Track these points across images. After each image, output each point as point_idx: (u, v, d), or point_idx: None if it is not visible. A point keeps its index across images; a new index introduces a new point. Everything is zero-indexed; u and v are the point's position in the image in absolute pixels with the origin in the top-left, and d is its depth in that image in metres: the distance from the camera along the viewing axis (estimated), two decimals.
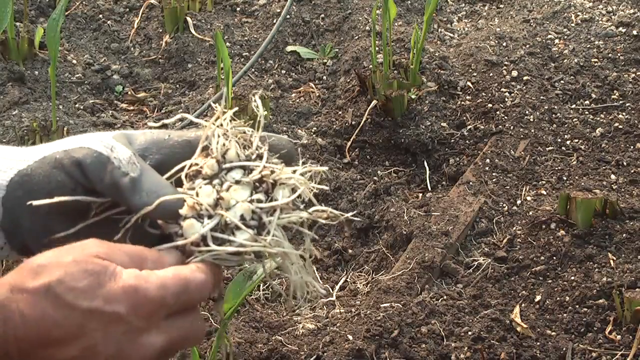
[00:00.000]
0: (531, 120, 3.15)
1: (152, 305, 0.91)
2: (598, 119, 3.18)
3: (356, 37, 3.65)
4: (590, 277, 2.50)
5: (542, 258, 2.60)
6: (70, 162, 1.01)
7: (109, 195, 1.02)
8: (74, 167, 1.01)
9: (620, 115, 3.19)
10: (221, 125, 1.03)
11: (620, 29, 3.57)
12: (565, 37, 3.57)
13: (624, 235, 2.61)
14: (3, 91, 3.28)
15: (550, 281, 2.53)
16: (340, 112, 3.30)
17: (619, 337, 2.31)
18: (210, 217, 0.98)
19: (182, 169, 1.03)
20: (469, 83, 3.33)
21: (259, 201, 0.99)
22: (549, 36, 3.56)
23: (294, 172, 1.03)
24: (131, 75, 3.62)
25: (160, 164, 1.04)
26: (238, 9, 3.94)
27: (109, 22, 3.85)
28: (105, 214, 1.03)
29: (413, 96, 3.22)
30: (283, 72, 3.59)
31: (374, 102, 3.20)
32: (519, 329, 2.37)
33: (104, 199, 1.03)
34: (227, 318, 1.99)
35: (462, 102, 3.27)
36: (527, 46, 3.49)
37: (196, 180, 1.01)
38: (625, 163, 2.98)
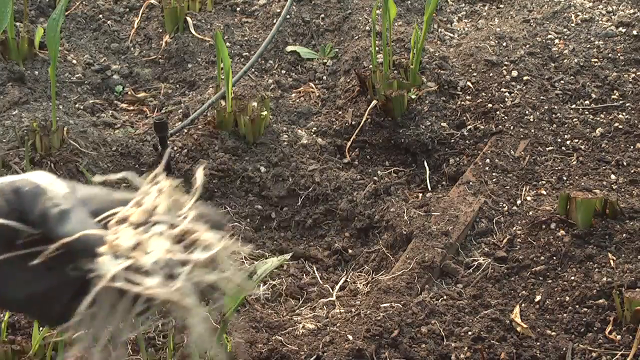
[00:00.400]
0: (531, 120, 3.15)
1: None
2: (598, 119, 3.18)
3: (356, 37, 3.65)
4: (590, 277, 2.50)
5: (542, 258, 2.60)
6: (10, 188, 1.05)
7: (39, 225, 1.05)
8: (13, 193, 1.05)
9: (620, 115, 3.19)
10: (158, 186, 1.09)
11: (620, 29, 3.57)
12: (565, 37, 3.57)
13: (624, 235, 2.61)
14: (3, 91, 3.28)
15: (550, 281, 2.53)
16: (340, 112, 3.30)
17: (619, 337, 2.31)
18: (126, 258, 1.02)
19: (113, 215, 1.08)
20: (469, 83, 3.33)
21: (175, 253, 1.04)
22: (549, 36, 3.56)
23: (219, 239, 1.07)
24: (131, 75, 3.62)
25: (97, 213, 1.08)
26: (238, 9, 3.94)
27: (109, 22, 3.85)
28: (35, 248, 1.06)
29: (413, 96, 3.22)
30: (283, 72, 3.59)
31: (374, 102, 3.20)
32: (519, 329, 2.37)
33: (34, 231, 1.06)
34: (227, 318, 1.99)
35: (462, 102, 3.27)
36: (527, 46, 3.49)
37: (122, 225, 1.06)
38: (625, 163, 2.98)
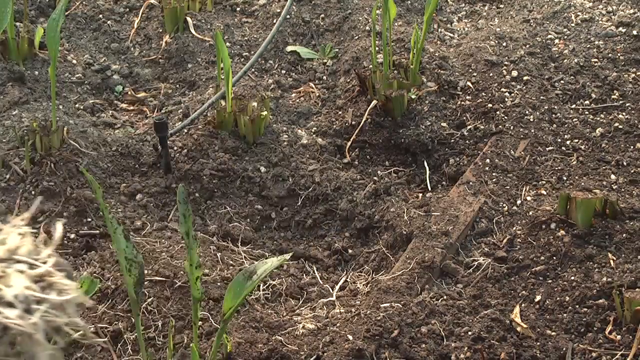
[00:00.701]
0: (531, 120, 3.15)
1: None
2: (598, 119, 3.19)
3: (356, 37, 3.65)
4: (590, 277, 2.50)
5: (542, 258, 2.60)
6: None
7: None
8: None
9: (620, 115, 3.19)
10: (20, 230, 1.20)
11: (620, 29, 3.58)
12: (565, 37, 3.57)
13: (624, 235, 2.61)
14: (3, 91, 3.28)
15: (550, 281, 2.53)
16: (340, 112, 3.30)
17: (619, 337, 2.31)
18: None
19: None
20: (469, 83, 3.33)
21: (34, 291, 1.14)
22: (549, 36, 3.56)
23: (72, 287, 1.19)
24: (131, 75, 3.62)
25: None
26: (238, 9, 3.94)
27: (109, 22, 3.85)
28: None
29: (413, 96, 3.22)
30: (283, 72, 3.59)
31: (374, 102, 3.20)
32: (519, 329, 2.37)
33: None
34: (227, 318, 1.99)
35: (462, 102, 3.27)
36: (527, 46, 3.49)
37: None
38: (625, 163, 2.98)
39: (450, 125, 3.21)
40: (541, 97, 3.24)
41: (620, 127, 3.14)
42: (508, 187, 2.90)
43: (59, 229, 1.24)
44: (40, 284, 1.15)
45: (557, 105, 3.22)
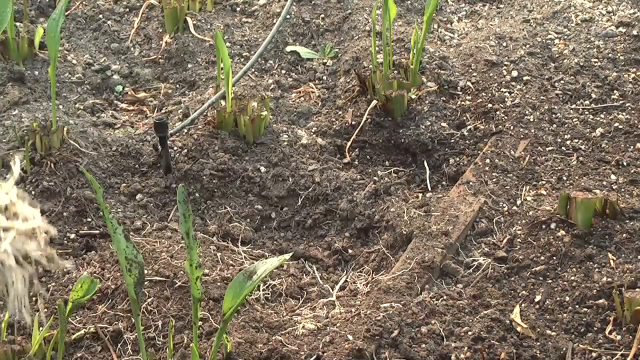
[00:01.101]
0: (531, 120, 3.15)
1: None
2: (598, 119, 3.19)
3: (356, 37, 3.65)
4: (590, 277, 2.50)
5: (542, 258, 2.60)
6: None
7: None
8: None
9: (620, 115, 3.19)
10: None
11: (620, 29, 3.58)
12: (565, 37, 3.57)
13: (624, 235, 2.61)
14: (3, 91, 3.28)
15: (550, 281, 2.53)
16: (340, 112, 3.30)
17: (619, 337, 2.31)
18: None
19: None
20: (469, 83, 3.33)
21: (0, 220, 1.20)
22: (549, 36, 3.56)
23: (36, 215, 1.25)
24: (131, 75, 3.62)
25: None
26: (238, 9, 3.94)
27: (109, 22, 3.85)
28: None
29: (413, 96, 3.22)
30: (283, 72, 3.60)
31: (374, 102, 3.20)
32: (519, 329, 2.37)
33: None
34: (227, 318, 1.99)
35: (462, 102, 3.27)
36: (527, 46, 3.49)
37: None
38: (625, 163, 2.98)
39: (450, 125, 3.21)
40: (541, 97, 3.24)
41: (620, 127, 3.14)
42: (508, 187, 2.91)
43: (17, 162, 1.29)
44: (5, 213, 1.21)
45: (557, 105, 3.23)
